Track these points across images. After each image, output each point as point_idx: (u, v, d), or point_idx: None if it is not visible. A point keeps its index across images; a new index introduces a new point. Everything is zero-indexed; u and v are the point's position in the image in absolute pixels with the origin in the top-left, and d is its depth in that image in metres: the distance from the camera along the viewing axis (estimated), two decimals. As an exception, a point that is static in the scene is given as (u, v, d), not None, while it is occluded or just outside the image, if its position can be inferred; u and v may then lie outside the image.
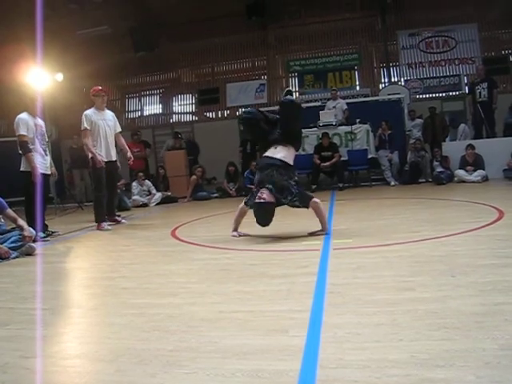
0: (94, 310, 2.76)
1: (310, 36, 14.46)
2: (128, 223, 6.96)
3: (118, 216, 7.05)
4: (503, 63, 13.25)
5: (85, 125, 6.47)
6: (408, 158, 10.13)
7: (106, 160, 6.54)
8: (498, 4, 12.30)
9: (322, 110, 11.07)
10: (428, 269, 3.03)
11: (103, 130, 6.57)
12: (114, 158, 6.73)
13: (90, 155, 6.54)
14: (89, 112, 6.60)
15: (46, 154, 6.12)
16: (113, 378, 1.80)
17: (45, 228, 5.99)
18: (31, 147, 5.80)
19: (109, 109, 6.94)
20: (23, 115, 5.86)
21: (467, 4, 12.59)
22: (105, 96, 6.81)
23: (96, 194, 6.64)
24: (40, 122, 6.06)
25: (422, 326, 2.05)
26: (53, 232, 6.11)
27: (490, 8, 12.59)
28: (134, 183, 10.03)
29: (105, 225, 6.44)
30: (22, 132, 5.74)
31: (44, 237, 5.77)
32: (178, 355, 1.95)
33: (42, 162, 5.94)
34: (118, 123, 6.91)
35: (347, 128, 10.47)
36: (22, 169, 5.86)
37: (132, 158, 6.95)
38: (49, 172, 6.14)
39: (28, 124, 5.81)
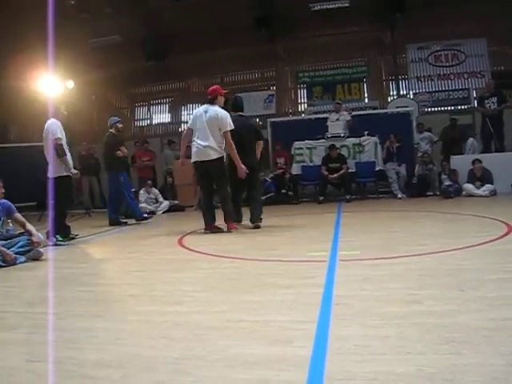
0: (100, 317, 2.75)
1: (318, 48, 14.54)
2: (135, 230, 6.98)
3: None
4: (512, 78, 13.23)
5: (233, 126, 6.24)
6: (416, 171, 10.12)
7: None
8: (507, 19, 12.34)
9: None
10: (436, 282, 3.01)
11: None
12: None
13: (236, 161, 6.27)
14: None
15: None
16: (118, 384, 1.80)
17: (68, 231, 6.18)
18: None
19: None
20: (55, 120, 6.04)
21: (476, 18, 12.60)
22: None
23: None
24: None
25: (429, 340, 2.03)
26: (76, 235, 6.30)
27: (499, 22, 12.62)
28: (142, 191, 10.07)
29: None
30: (60, 135, 5.94)
31: (61, 240, 5.94)
32: (185, 363, 1.94)
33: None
34: None
35: (355, 140, 10.48)
36: (55, 175, 5.98)
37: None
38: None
39: (62, 129, 6.02)
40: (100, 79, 14.62)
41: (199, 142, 6.18)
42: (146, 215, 8.31)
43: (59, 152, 5.95)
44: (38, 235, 4.81)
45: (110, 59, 14.25)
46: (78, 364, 2.03)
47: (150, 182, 10.30)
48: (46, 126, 6.15)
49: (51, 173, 6.02)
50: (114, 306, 2.93)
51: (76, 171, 6.28)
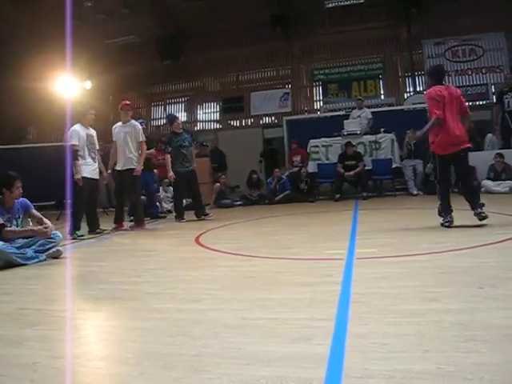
0: (119, 314, 2.79)
1: (334, 45, 14.47)
2: (152, 228, 7.07)
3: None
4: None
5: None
6: (427, 168, 9.98)
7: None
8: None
9: (347, 118, 11.03)
10: (453, 280, 2.99)
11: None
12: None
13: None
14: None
15: (95, 162, 6.76)
16: (137, 381, 1.82)
17: (96, 226, 6.77)
18: (80, 154, 6.52)
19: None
20: (76, 127, 6.63)
21: (494, 12, 12.39)
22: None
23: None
24: (92, 132, 6.79)
25: (448, 338, 2.02)
26: (103, 230, 6.84)
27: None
28: (160, 189, 10.13)
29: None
30: (74, 142, 6.50)
31: (79, 235, 6.42)
32: (202, 360, 1.96)
33: (90, 169, 6.62)
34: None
35: (371, 137, 10.40)
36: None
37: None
38: (97, 177, 6.80)
39: (79, 134, 6.55)
40: (117, 79, 14.76)
41: None
42: (160, 214, 8.75)
43: (73, 156, 6.47)
44: (49, 224, 4.87)
45: (127, 59, 14.38)
46: (97, 361, 2.07)
47: (167, 180, 10.34)
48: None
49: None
50: (132, 304, 2.96)
51: (92, 177, 6.69)
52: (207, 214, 7.93)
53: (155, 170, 9.36)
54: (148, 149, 8.26)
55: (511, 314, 2.26)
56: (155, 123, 16.50)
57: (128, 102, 7.52)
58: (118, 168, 7.12)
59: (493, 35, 13.14)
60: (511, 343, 1.92)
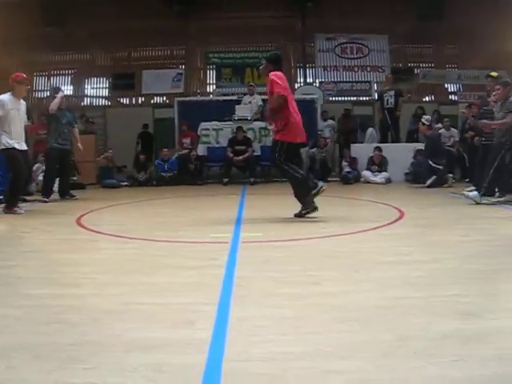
0: (-16, 302, 2.52)
1: (230, 30, 14.42)
2: (29, 209, 6.54)
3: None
4: (409, 74, 14.15)
5: None
6: (309, 152, 10.44)
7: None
8: (407, 20, 13.15)
9: (238, 103, 11.09)
10: (334, 264, 3.14)
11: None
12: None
13: None
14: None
15: None
16: (3, 375, 1.65)
17: None
18: None
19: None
20: None
21: (380, 16, 13.25)
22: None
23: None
24: None
25: (326, 320, 2.11)
26: None
27: (400, 22, 13.38)
28: (37, 165, 9.41)
29: (17, 209, 6.05)
30: None
31: None
32: (79, 349, 1.84)
33: None
34: None
35: (262, 124, 10.57)
36: None
37: None
38: None
39: None
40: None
41: None
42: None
43: None
44: None
45: (5, 20, 13.03)
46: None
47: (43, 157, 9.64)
48: None
49: None
50: (1, 290, 2.70)
51: None
52: (73, 196, 7.72)
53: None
54: None
55: (382, 296, 2.43)
56: (38, 95, 15.28)
57: (26, 76, 6.47)
58: (20, 147, 6.10)
59: (377, 37, 14.02)
60: (381, 322, 2.07)
